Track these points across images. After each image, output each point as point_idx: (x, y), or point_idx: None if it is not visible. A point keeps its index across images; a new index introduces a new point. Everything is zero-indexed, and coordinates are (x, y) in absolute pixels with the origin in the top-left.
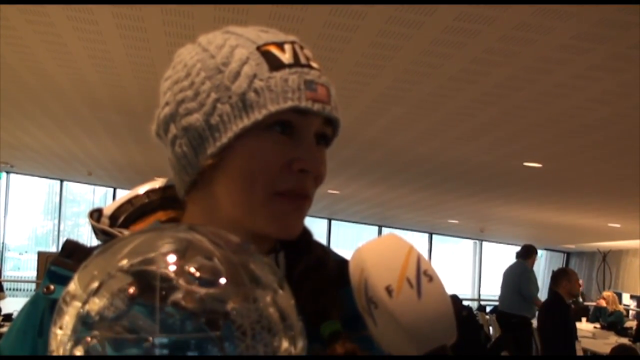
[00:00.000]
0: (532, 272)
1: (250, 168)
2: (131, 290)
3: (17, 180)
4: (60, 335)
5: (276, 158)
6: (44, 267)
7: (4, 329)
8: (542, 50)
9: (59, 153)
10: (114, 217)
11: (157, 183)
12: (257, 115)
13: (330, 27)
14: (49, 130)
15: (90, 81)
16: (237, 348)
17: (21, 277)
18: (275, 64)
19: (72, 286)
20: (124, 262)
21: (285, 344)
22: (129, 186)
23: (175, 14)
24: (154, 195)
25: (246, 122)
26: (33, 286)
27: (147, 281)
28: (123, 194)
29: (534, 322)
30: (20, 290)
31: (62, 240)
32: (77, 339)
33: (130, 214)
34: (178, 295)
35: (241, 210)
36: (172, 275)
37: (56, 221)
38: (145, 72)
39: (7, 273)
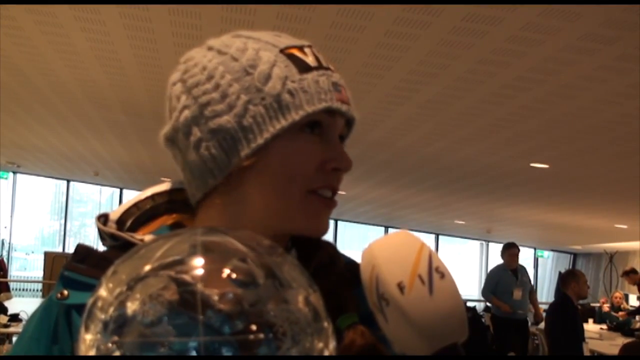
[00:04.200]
0: (492, 271)
1: (287, 169)
2: (166, 294)
3: (24, 180)
4: (90, 340)
5: (312, 158)
6: (51, 267)
7: (11, 329)
8: (550, 51)
9: (65, 153)
10: (121, 221)
11: (163, 186)
12: (295, 115)
13: (338, 27)
14: (56, 131)
15: (98, 81)
16: (278, 350)
17: (28, 277)
18: (302, 67)
19: (103, 292)
20: (157, 266)
21: (320, 345)
22: (135, 187)
23: (183, 14)
24: (160, 198)
25: (283, 122)
26: (40, 286)
27: (182, 285)
28: (130, 195)
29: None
30: (27, 290)
31: (68, 240)
32: (108, 343)
33: (137, 218)
34: (215, 298)
35: (276, 210)
36: (208, 278)
37: (63, 221)
38: (153, 73)
39: (14, 273)
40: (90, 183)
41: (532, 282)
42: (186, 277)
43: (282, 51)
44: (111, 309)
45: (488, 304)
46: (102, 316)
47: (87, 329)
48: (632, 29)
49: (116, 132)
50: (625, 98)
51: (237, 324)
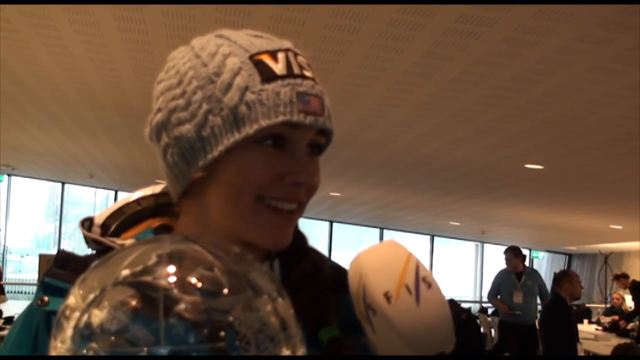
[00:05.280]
0: (497, 273)
1: (238, 180)
2: (132, 302)
3: (19, 182)
4: (60, 348)
5: (265, 171)
6: (46, 269)
7: (6, 332)
8: (544, 52)
9: (60, 155)
10: (105, 225)
11: (149, 190)
12: (248, 129)
13: (332, 29)
14: (51, 133)
15: (92, 83)
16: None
17: (23, 279)
18: (267, 75)
19: (72, 299)
20: (124, 274)
21: (286, 353)
22: (130, 188)
23: (177, 16)
24: (145, 202)
25: (237, 136)
26: (34, 289)
27: (148, 293)
28: (124, 197)
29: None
30: (22, 293)
31: (63, 243)
32: (77, 352)
33: (121, 222)
34: (180, 307)
35: (231, 220)
36: (174, 286)
37: (57, 224)
38: (147, 75)
39: (9, 276)
40: (85, 185)
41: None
42: (152, 286)
43: (251, 57)
44: (78, 318)
45: (484, 305)
46: (70, 324)
47: (55, 338)
48: (626, 30)
49: (111, 134)
50: (619, 99)
51: (202, 332)
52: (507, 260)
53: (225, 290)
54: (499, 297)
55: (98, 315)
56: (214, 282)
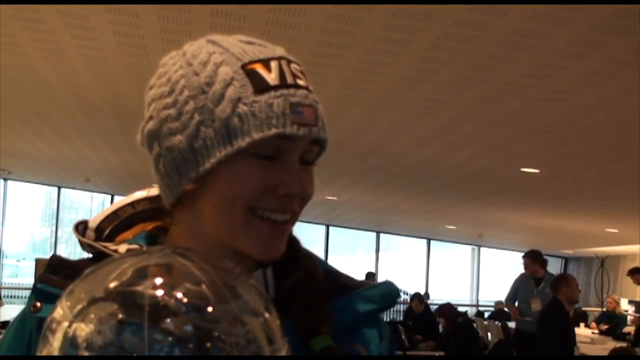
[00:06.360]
0: (516, 278)
1: (231, 192)
2: (119, 316)
3: (15, 187)
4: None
5: (258, 182)
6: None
7: (2, 337)
8: (539, 56)
9: (56, 160)
10: (99, 229)
11: (144, 193)
12: (241, 142)
13: (328, 33)
14: (47, 137)
15: (88, 88)
16: None
17: (19, 284)
18: (260, 86)
19: (59, 311)
20: (111, 288)
21: None
22: (126, 193)
23: (172, 21)
24: (140, 205)
25: (229, 149)
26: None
27: (135, 307)
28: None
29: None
30: (18, 297)
31: (59, 247)
32: None
33: (116, 226)
34: (166, 321)
35: (223, 231)
36: (160, 301)
37: (54, 228)
38: (143, 79)
39: (5, 280)
40: (81, 189)
41: None
42: (137, 299)
43: (243, 67)
44: (66, 329)
45: (480, 308)
46: (57, 337)
47: (41, 352)
48: (621, 34)
49: (107, 138)
50: (615, 103)
51: (187, 347)
52: (525, 266)
53: (211, 305)
54: (516, 303)
55: (84, 329)
56: (201, 297)
